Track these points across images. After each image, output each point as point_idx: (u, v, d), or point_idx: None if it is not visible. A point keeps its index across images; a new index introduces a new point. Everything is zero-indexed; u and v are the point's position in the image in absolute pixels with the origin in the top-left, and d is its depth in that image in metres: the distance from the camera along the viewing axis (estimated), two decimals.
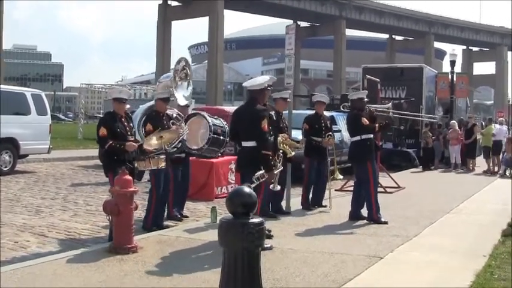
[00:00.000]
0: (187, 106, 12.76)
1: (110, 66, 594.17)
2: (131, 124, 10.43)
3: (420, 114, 21.49)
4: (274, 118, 11.25)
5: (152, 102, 11.69)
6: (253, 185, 8.63)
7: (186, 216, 12.64)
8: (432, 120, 23.38)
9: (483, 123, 31.22)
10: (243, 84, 9.85)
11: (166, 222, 11.42)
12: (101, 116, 11.20)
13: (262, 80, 9.64)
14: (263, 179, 9.01)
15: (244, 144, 9.42)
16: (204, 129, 11.99)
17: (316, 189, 13.85)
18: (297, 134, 13.97)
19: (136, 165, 10.39)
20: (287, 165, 12.55)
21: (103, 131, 9.80)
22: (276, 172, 9.68)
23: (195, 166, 13.73)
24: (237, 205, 4.76)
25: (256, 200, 4.80)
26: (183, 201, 12.68)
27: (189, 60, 12.86)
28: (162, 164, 10.58)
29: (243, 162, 9.53)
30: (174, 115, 11.44)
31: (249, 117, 9.31)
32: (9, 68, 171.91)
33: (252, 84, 9.56)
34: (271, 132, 9.78)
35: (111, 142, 9.72)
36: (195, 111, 13.18)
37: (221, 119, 12.82)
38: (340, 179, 14.30)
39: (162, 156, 10.60)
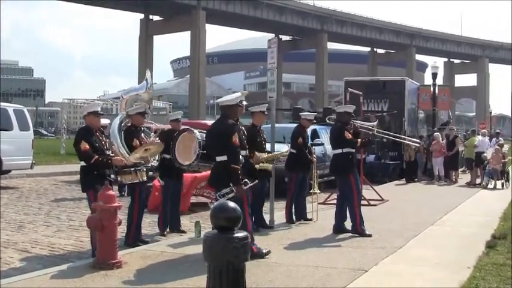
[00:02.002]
0: (179, 120, 12.74)
1: (92, 81, 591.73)
2: (105, 138, 10.35)
3: (402, 136, 21.48)
4: (246, 133, 11.24)
5: (120, 117, 11.42)
6: (216, 203, 8.70)
7: (184, 232, 12.55)
8: (416, 144, 23.36)
9: (466, 135, 31.34)
10: (216, 101, 9.88)
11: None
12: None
13: (234, 96, 9.69)
14: (231, 195, 8.97)
15: (218, 159, 9.43)
16: (194, 145, 11.86)
17: (298, 202, 13.84)
18: (280, 147, 13.94)
19: (119, 178, 10.35)
20: (269, 179, 12.60)
21: (85, 145, 9.63)
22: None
23: None
24: (221, 220, 4.75)
25: (240, 215, 4.80)
26: (178, 216, 12.74)
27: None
28: (145, 177, 10.58)
29: (215, 176, 9.55)
30: (143, 128, 11.38)
31: (220, 132, 9.38)
32: None
33: (223, 100, 9.63)
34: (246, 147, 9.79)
35: (97, 157, 9.65)
36: (185, 127, 13.10)
37: None
38: (317, 192, 14.32)
39: (144, 169, 10.59)
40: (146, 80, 11.98)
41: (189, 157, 11.40)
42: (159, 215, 12.46)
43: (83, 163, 9.85)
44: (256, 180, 10.15)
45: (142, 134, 11.05)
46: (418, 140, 23.51)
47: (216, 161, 9.52)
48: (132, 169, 10.35)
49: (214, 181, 9.57)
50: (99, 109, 10.19)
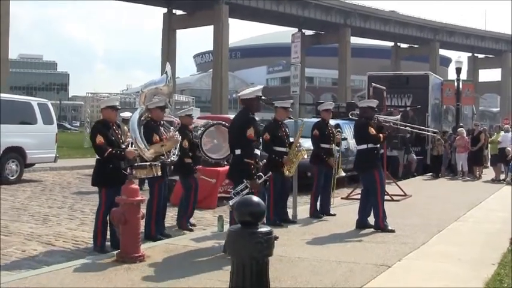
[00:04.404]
0: (190, 115, 12.77)
1: (115, 75, 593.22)
2: (120, 131, 10.40)
3: (424, 127, 21.38)
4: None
5: (139, 111, 11.43)
6: (232, 201, 8.62)
7: (194, 225, 12.62)
8: (433, 134, 23.15)
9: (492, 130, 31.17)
10: (238, 94, 9.83)
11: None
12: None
13: (253, 89, 9.63)
14: (246, 191, 8.89)
15: (236, 152, 9.42)
16: (224, 137, 11.86)
17: (323, 197, 13.79)
18: (304, 143, 13.92)
19: (134, 172, 10.36)
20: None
21: (100, 138, 9.73)
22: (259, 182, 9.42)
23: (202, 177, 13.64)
24: (245, 214, 4.74)
25: (264, 210, 4.79)
26: (192, 210, 12.68)
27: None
28: (159, 172, 10.56)
29: (232, 170, 9.59)
30: (163, 122, 11.38)
31: (238, 125, 9.40)
32: (15, 78, 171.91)
33: (243, 93, 9.57)
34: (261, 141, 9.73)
35: (110, 149, 9.71)
36: (215, 122, 13.16)
37: None
38: (342, 175, 14.33)
39: (159, 164, 10.56)
40: (166, 73, 11.93)
41: (218, 151, 11.52)
42: (183, 210, 12.38)
43: (98, 156, 9.95)
44: (270, 173, 10.11)
45: (162, 128, 11.05)
46: (435, 130, 23.33)
47: (234, 155, 9.54)
48: (148, 164, 10.34)
49: (232, 175, 9.59)
50: (117, 103, 10.28)
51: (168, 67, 12.38)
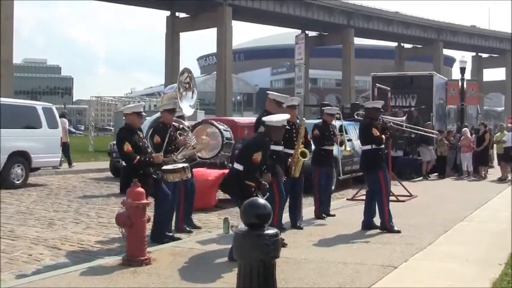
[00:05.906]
0: (182, 116, 12.75)
1: (119, 79, 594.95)
2: (143, 136, 10.47)
3: (422, 128, 21.26)
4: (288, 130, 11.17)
5: (158, 114, 11.67)
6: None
7: (199, 227, 12.58)
8: (433, 136, 23.00)
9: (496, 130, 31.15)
10: (263, 119, 9.76)
11: (177, 235, 11.38)
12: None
13: (280, 118, 9.47)
14: None
15: (235, 165, 9.30)
16: (212, 136, 11.96)
17: (323, 198, 13.78)
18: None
19: (165, 177, 10.37)
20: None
21: (128, 146, 9.76)
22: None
23: (199, 177, 13.60)
24: (251, 216, 4.73)
25: (271, 211, 4.77)
26: (190, 212, 12.62)
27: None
28: (189, 174, 10.65)
29: (229, 184, 9.46)
30: (181, 126, 11.45)
31: (249, 144, 9.33)
32: (20, 82, 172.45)
33: (270, 120, 9.41)
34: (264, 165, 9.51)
35: (139, 157, 9.75)
36: (200, 120, 13.26)
37: (224, 124, 13.11)
38: (348, 150, 14.41)
39: (189, 166, 10.67)
40: (179, 78, 12.16)
41: (207, 150, 11.58)
42: (181, 212, 12.30)
43: (123, 163, 10.00)
44: (268, 194, 10.05)
45: (178, 132, 11.09)
46: (436, 132, 23.22)
47: (233, 167, 9.47)
48: (181, 166, 10.41)
49: (229, 189, 9.54)
50: (142, 110, 10.34)
51: (181, 74, 12.53)
